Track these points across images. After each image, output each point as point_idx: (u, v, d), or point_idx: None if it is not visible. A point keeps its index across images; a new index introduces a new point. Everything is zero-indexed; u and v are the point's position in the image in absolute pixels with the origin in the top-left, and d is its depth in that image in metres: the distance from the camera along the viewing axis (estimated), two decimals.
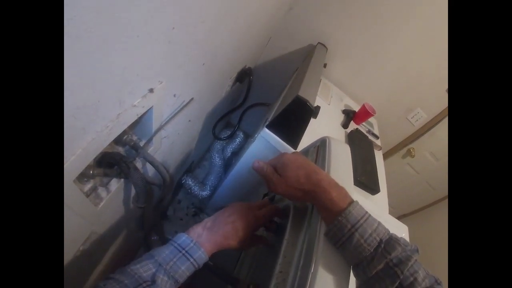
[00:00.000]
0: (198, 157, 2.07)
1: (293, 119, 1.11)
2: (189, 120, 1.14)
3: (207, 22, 0.73)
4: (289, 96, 1.23)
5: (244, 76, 1.65)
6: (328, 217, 0.55)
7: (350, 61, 1.94)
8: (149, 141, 0.81)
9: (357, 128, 1.71)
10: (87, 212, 0.72)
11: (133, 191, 0.93)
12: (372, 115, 1.75)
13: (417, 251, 0.51)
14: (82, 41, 0.36)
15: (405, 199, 2.52)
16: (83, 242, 0.82)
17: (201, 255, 0.56)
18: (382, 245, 0.50)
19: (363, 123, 1.84)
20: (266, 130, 1.15)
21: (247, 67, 1.67)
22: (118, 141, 0.79)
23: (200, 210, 2.00)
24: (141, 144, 0.80)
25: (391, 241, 0.50)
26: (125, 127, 0.61)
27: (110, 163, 0.75)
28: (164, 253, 0.54)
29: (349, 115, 1.75)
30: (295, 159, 0.63)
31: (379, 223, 0.53)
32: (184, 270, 0.53)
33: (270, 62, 2.07)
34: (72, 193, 0.59)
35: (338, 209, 0.53)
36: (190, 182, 1.80)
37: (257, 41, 1.66)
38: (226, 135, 2.00)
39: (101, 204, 0.76)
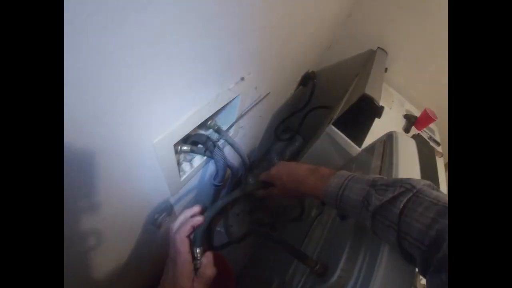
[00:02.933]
0: (258, 156, 2.17)
1: (359, 116, 1.15)
2: (260, 116, 1.24)
3: (287, 25, 0.83)
4: (353, 97, 1.27)
5: (308, 80, 1.73)
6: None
7: (411, 66, 1.92)
8: (230, 127, 0.92)
9: (418, 134, 1.70)
10: (173, 179, 0.80)
11: (211, 171, 1.04)
12: (434, 120, 1.73)
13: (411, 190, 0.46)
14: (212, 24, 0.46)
15: None
16: (159, 211, 0.90)
17: None
18: (365, 202, 0.49)
19: (425, 129, 1.82)
20: (332, 127, 1.20)
21: (310, 71, 1.75)
22: (202, 125, 0.90)
23: (257, 208, 2.09)
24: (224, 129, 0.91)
25: (369, 195, 0.49)
26: (220, 106, 0.71)
27: (196, 142, 0.86)
28: None
29: (411, 120, 1.74)
30: (281, 168, 0.71)
31: (358, 184, 0.52)
32: None
33: (330, 68, 2.11)
34: (168, 156, 0.67)
35: (321, 192, 0.58)
36: (250, 180, 1.89)
37: (319, 47, 1.73)
38: (286, 137, 2.08)
39: (184, 176, 0.86)
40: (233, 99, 0.77)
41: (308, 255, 0.69)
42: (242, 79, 0.73)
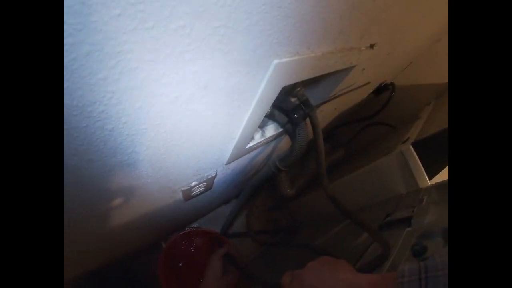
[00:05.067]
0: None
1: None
2: (335, 108, 1.08)
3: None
4: (433, 124, 1.17)
5: (383, 90, 1.63)
6: None
7: None
8: (321, 104, 0.76)
9: None
10: (243, 140, 0.64)
11: (268, 152, 0.89)
12: None
13: None
14: None
15: None
16: (198, 179, 0.74)
17: None
18: None
19: None
20: (410, 147, 1.06)
21: (390, 82, 1.60)
22: (288, 92, 0.75)
23: (277, 208, 1.94)
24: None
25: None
26: (340, 67, 0.56)
27: (280, 107, 0.72)
28: None
29: None
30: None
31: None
32: None
33: (402, 87, 1.95)
34: (270, 95, 0.51)
35: None
36: (282, 176, 1.75)
37: (403, 61, 1.57)
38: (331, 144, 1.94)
39: (250, 144, 0.71)
40: (347, 68, 0.61)
41: None
42: (372, 46, 0.58)
